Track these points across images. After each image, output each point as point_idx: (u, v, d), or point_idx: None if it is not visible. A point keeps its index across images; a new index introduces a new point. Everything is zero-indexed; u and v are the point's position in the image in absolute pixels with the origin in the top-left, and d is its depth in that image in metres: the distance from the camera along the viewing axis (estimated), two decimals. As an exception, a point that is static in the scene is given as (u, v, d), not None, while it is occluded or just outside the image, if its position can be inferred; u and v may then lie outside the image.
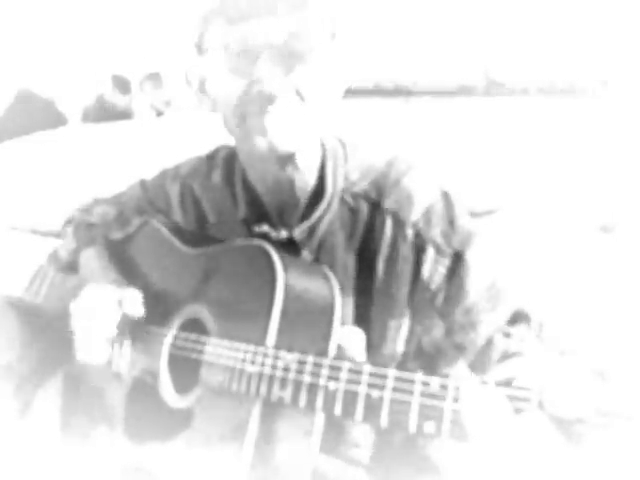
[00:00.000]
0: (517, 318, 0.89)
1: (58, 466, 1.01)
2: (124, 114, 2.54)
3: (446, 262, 0.85)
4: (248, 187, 0.94)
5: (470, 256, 0.86)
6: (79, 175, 1.91)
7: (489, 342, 0.85)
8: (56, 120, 2.45)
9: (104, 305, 0.89)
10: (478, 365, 0.85)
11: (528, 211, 1.91)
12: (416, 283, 0.86)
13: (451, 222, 0.87)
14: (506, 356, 0.85)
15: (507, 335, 0.86)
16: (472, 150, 1.97)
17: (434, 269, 0.85)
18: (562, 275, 1.69)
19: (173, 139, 2.04)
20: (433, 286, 0.85)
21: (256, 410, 0.71)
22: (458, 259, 0.85)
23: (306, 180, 0.88)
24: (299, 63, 0.77)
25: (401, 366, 0.69)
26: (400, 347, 0.87)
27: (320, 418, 0.70)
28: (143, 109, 2.58)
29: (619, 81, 2.04)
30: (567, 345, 1.57)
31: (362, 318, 0.86)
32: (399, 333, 0.87)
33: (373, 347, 0.81)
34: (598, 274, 1.68)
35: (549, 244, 1.80)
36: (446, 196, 0.88)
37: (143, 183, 1.13)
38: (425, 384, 0.58)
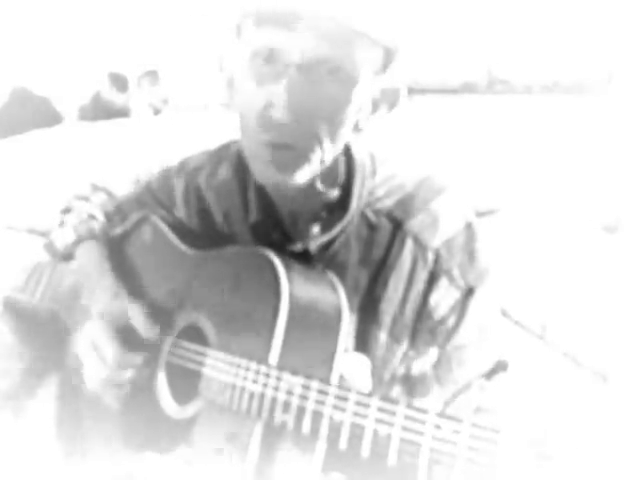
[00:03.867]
0: (497, 368, 0.87)
1: (52, 474, 0.99)
2: (121, 112, 2.52)
3: (456, 295, 0.82)
4: (262, 191, 0.90)
5: (479, 294, 0.84)
6: (76, 174, 1.90)
7: (468, 386, 0.84)
8: (52, 118, 2.44)
9: (109, 342, 0.87)
10: (452, 406, 0.83)
11: (531, 210, 1.90)
12: (422, 309, 0.83)
13: (470, 256, 0.84)
14: (479, 410, 0.83)
15: (482, 388, 0.85)
16: (474, 147, 1.96)
17: (442, 299, 0.82)
18: (565, 275, 1.68)
19: (171, 137, 2.02)
20: (437, 315, 0.83)
21: (258, 429, 0.69)
22: (469, 294, 0.83)
23: (329, 192, 0.85)
24: (329, 91, 0.70)
25: (385, 389, 0.67)
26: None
27: (323, 441, 0.68)
28: (140, 107, 2.56)
29: (623, 80, 2.03)
30: (570, 346, 1.56)
31: (367, 339, 0.83)
32: (397, 357, 0.85)
33: (375, 371, 0.78)
34: (601, 274, 1.67)
35: (552, 244, 1.79)
36: (470, 227, 0.85)
37: (148, 174, 1.10)
38: (437, 427, 0.55)
